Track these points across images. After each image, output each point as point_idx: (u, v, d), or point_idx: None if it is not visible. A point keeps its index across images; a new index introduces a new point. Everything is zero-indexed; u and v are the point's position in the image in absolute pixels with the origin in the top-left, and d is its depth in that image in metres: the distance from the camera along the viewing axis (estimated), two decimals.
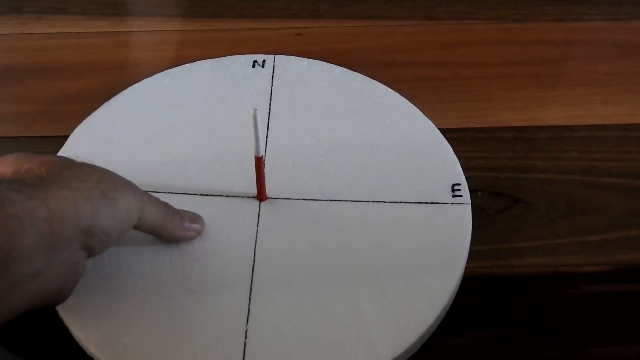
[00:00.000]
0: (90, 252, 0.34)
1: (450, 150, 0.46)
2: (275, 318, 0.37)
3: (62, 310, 0.37)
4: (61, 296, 0.34)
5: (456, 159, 0.45)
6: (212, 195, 0.43)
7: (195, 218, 0.41)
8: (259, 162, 0.41)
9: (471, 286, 0.41)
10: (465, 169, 0.45)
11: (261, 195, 0.43)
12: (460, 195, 0.43)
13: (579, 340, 0.39)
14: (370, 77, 0.51)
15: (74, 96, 0.53)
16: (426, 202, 0.43)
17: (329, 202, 0.43)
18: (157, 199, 0.39)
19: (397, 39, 0.58)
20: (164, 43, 0.58)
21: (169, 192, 0.43)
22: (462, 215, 0.42)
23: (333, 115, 0.48)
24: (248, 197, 0.43)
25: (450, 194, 0.43)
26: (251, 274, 0.39)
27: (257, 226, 0.42)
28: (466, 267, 0.41)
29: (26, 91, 0.54)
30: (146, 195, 0.37)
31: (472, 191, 0.44)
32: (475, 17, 0.60)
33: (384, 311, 0.38)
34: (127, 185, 0.36)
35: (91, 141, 0.46)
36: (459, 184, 0.44)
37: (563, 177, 0.47)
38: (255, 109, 0.38)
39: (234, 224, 0.42)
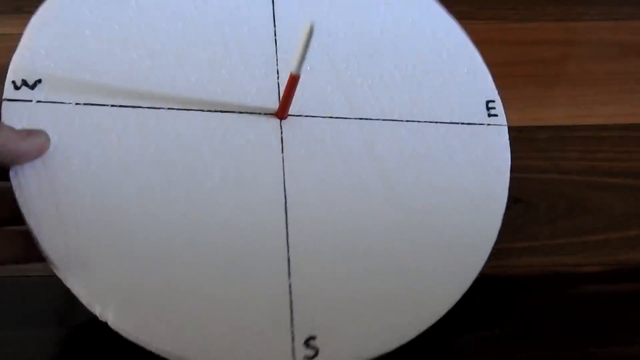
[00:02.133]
0: None
1: (480, 60, 0.42)
2: (318, 268, 0.33)
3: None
4: None
5: (487, 71, 0.41)
6: (219, 111, 0.35)
7: (32, 132, 0.33)
8: (293, 81, 0.34)
9: (471, 286, 0.41)
10: None
11: (283, 112, 0.36)
12: (496, 115, 0.39)
13: (579, 340, 0.39)
14: None
15: None
16: (462, 123, 0.39)
17: (358, 120, 0.37)
18: None
19: None
20: None
21: (165, 108, 0.35)
22: (499, 141, 0.39)
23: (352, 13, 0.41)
24: (265, 114, 0.36)
25: (486, 112, 0.39)
26: (284, 211, 0.34)
27: (282, 152, 0.35)
28: None
29: None
30: None
31: None
32: (475, 17, 0.60)
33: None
34: None
35: (53, 35, 0.35)
36: (493, 101, 0.40)
37: (563, 177, 0.47)
38: (313, 22, 0.31)
39: (254, 150, 0.35)
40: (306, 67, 0.35)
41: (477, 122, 0.39)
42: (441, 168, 0.37)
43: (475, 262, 0.35)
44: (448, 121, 0.38)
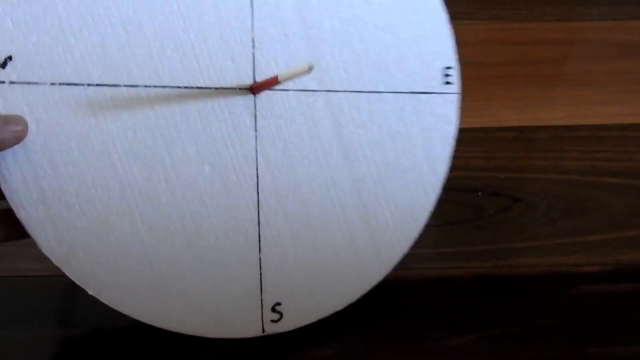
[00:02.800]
0: None
1: (446, 24, 0.41)
2: (288, 238, 0.37)
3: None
4: None
5: (450, 35, 0.41)
6: (195, 87, 0.35)
7: (9, 118, 0.32)
8: (274, 82, 0.34)
9: (471, 286, 0.41)
10: (465, 168, 0.45)
11: (258, 90, 0.36)
12: (451, 83, 0.41)
13: (578, 340, 0.39)
14: None
15: None
16: (419, 92, 0.40)
17: (327, 93, 0.37)
18: None
19: None
20: None
21: (141, 86, 0.34)
22: (450, 110, 0.41)
23: None
24: (240, 88, 0.35)
25: (442, 80, 0.40)
26: (256, 191, 0.36)
27: (255, 130, 0.36)
28: (467, 267, 0.41)
29: None
30: None
31: (472, 191, 0.44)
32: (475, 17, 0.60)
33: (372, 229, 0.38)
34: None
35: (18, 2, 0.32)
36: (451, 67, 0.41)
37: (563, 177, 0.47)
38: (312, 65, 0.31)
39: (229, 128, 0.35)
40: (282, 33, 0.36)
41: (432, 91, 0.40)
42: (395, 138, 0.39)
43: (410, 231, 0.39)
44: (407, 91, 0.39)
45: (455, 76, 0.40)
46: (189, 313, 0.35)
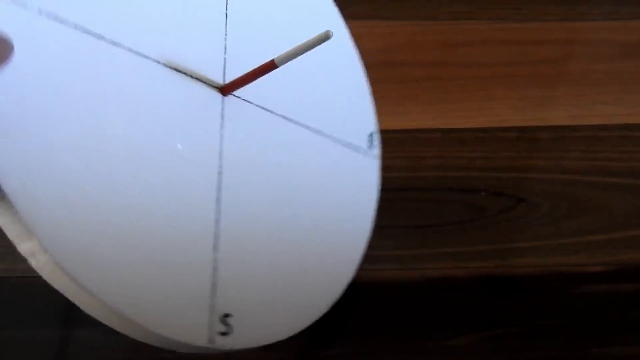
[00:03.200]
0: None
1: (368, 93, 0.42)
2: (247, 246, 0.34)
3: None
4: None
5: (371, 102, 0.42)
6: (172, 68, 0.33)
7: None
8: (267, 68, 0.33)
9: (473, 286, 0.41)
10: (467, 168, 0.45)
11: (230, 89, 0.34)
12: (374, 147, 0.41)
13: (580, 340, 0.39)
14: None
15: None
16: (345, 145, 0.39)
17: (282, 118, 0.37)
18: None
19: (399, 39, 0.58)
20: None
21: (124, 47, 0.31)
22: (373, 172, 0.40)
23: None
24: (210, 84, 0.34)
25: (368, 143, 0.41)
26: (218, 189, 0.33)
27: (222, 128, 0.34)
28: (468, 267, 0.41)
29: None
30: None
31: (474, 191, 0.44)
32: (476, 17, 0.60)
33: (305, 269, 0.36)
34: None
35: None
36: (374, 133, 0.41)
37: (565, 177, 0.47)
38: (331, 32, 0.30)
39: (194, 116, 0.33)
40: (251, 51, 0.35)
41: (361, 151, 0.40)
42: (322, 185, 0.38)
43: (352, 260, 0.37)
44: (342, 140, 0.39)
45: (376, 142, 0.41)
46: (139, 295, 0.30)
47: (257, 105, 0.35)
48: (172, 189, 0.32)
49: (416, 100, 0.49)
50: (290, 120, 0.37)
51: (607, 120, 0.51)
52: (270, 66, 0.32)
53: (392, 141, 0.49)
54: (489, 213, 0.45)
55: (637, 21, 0.60)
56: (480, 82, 0.54)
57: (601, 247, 0.43)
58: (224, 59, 0.35)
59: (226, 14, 0.36)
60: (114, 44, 0.31)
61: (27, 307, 0.40)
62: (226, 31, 0.36)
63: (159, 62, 0.32)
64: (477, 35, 0.59)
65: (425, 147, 0.48)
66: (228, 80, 0.34)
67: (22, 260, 0.41)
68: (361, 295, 0.41)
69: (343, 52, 0.44)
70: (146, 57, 0.32)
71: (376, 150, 0.41)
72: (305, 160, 0.37)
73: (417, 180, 0.47)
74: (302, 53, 0.32)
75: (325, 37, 0.30)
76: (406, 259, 0.40)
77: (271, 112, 0.36)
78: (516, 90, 0.54)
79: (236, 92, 0.35)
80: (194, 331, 0.32)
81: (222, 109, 0.34)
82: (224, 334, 0.32)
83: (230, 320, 0.32)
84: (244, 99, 0.35)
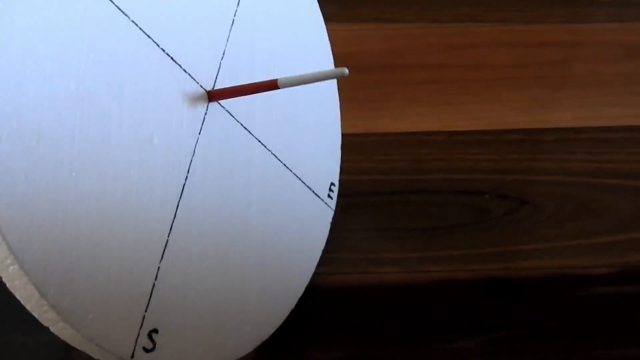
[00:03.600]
0: None
1: (337, 136, 0.43)
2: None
3: None
4: None
5: (339, 151, 0.42)
6: (169, 56, 0.32)
7: None
8: (267, 86, 0.32)
9: (478, 288, 0.41)
10: (472, 171, 0.45)
11: (217, 96, 0.33)
12: (332, 198, 0.41)
13: (586, 342, 0.39)
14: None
15: None
16: (307, 186, 0.40)
17: (258, 143, 0.36)
18: None
19: (403, 42, 0.58)
20: None
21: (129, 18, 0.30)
22: (325, 222, 0.41)
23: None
24: (199, 85, 0.33)
25: (327, 192, 0.41)
26: (179, 196, 0.32)
27: (199, 133, 0.33)
28: (473, 270, 0.41)
29: None
30: None
31: (479, 193, 0.44)
32: (481, 19, 0.60)
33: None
34: None
35: None
36: (335, 185, 0.42)
37: (570, 179, 0.47)
38: (348, 69, 0.29)
39: (177, 113, 0.32)
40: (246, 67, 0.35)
41: (320, 197, 0.40)
42: (277, 217, 0.37)
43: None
44: (305, 181, 0.39)
45: (335, 194, 0.42)
46: (78, 290, 0.28)
47: (237, 121, 0.35)
48: (136, 183, 0.30)
49: (420, 103, 0.49)
50: (264, 145, 0.37)
51: (612, 122, 0.51)
52: (271, 85, 0.31)
53: (396, 143, 0.49)
54: (494, 215, 0.45)
55: None
56: (485, 84, 0.54)
57: (606, 249, 0.43)
58: (220, 64, 0.34)
59: (233, 20, 0.36)
60: (123, 13, 0.30)
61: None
62: (228, 37, 0.35)
63: (158, 45, 0.31)
64: (482, 37, 0.59)
65: (429, 149, 0.48)
66: (218, 86, 0.34)
67: None
68: (365, 299, 0.41)
69: (327, 97, 0.44)
70: (148, 35, 0.31)
71: (333, 203, 0.42)
72: (268, 189, 0.37)
73: (421, 183, 0.47)
74: (309, 82, 0.31)
75: (340, 73, 0.29)
76: (410, 261, 0.40)
77: (249, 131, 0.36)
78: (521, 92, 0.53)
79: (222, 101, 0.34)
80: (122, 341, 0.29)
81: (205, 114, 0.33)
82: (147, 350, 0.30)
83: (156, 337, 0.30)
84: (227, 110, 0.34)
